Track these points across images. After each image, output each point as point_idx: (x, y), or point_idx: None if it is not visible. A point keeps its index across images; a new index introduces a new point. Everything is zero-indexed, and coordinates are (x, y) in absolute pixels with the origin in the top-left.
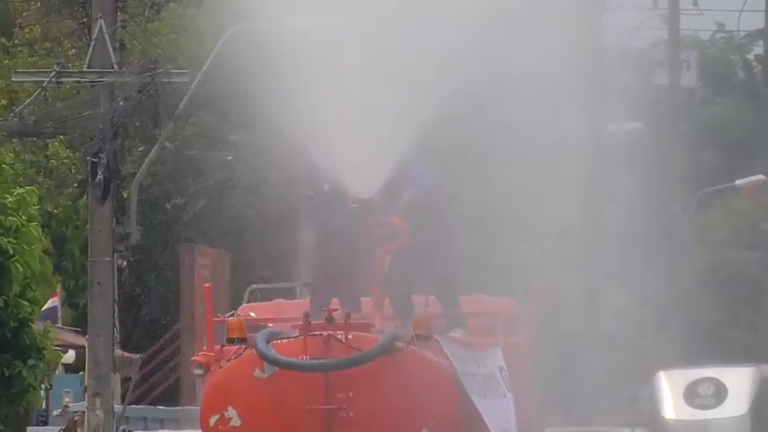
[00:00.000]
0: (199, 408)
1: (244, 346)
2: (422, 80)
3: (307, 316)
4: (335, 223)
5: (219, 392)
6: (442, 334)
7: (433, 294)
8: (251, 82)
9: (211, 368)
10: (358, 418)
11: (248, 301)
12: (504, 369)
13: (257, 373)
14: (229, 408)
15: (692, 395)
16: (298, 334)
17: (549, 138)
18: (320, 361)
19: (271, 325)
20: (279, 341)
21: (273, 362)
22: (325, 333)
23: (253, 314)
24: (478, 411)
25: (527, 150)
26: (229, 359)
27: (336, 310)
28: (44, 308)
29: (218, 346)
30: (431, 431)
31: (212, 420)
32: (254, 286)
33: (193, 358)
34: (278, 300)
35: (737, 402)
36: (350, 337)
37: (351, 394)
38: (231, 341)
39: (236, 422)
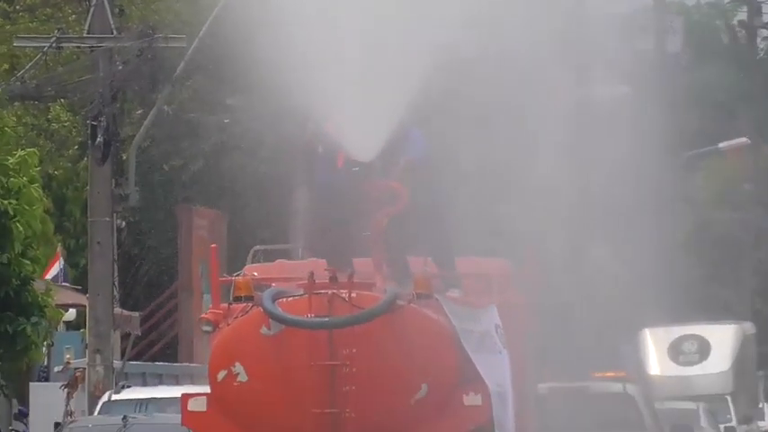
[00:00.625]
0: (198, 364)
1: (250, 305)
2: (418, 45)
3: (311, 275)
4: (336, 184)
5: (227, 349)
6: (441, 293)
7: (429, 256)
8: (248, 47)
9: (219, 326)
10: (361, 373)
11: (252, 262)
12: (499, 327)
13: (264, 330)
14: (237, 364)
15: (676, 352)
16: (303, 293)
17: (538, 102)
18: (325, 319)
19: (275, 284)
20: (284, 300)
21: (280, 319)
22: (329, 292)
23: (256, 274)
24: (475, 367)
25: (517, 115)
26: (236, 317)
27: (339, 270)
28: (52, 274)
29: (226, 305)
30: (430, 386)
31: (220, 376)
32: (258, 247)
33: (202, 316)
34: (280, 260)
35: (720, 359)
36: (353, 295)
37: (354, 351)
38: (238, 299)
39: (242, 378)
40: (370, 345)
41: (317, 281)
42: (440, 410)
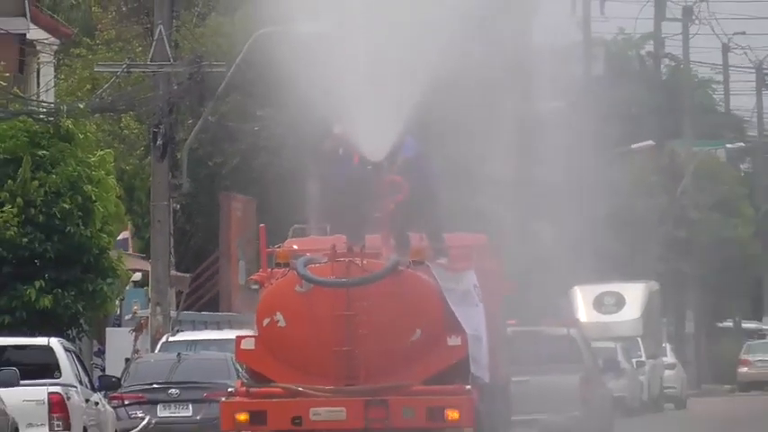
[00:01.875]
0: (234, 313)
1: (288, 269)
2: (416, 72)
3: (333, 247)
4: (353, 178)
5: (270, 302)
6: (432, 261)
7: (425, 232)
8: (274, 70)
9: (264, 285)
10: (370, 321)
11: (291, 237)
12: (476, 286)
13: (298, 288)
14: (277, 313)
15: (599, 304)
16: (327, 260)
17: (496, 114)
18: (343, 280)
19: (308, 254)
20: (313, 265)
21: (309, 280)
22: (346, 260)
23: (295, 246)
24: (456, 317)
25: (482, 124)
26: (277, 278)
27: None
28: (118, 238)
29: (270, 269)
30: (422, 331)
31: (265, 322)
32: (296, 226)
33: (250, 277)
34: (312, 236)
35: (632, 309)
36: (365, 262)
37: (365, 304)
38: (279, 265)
39: (282, 323)
40: (377, 299)
41: (337, 251)
42: (429, 349)
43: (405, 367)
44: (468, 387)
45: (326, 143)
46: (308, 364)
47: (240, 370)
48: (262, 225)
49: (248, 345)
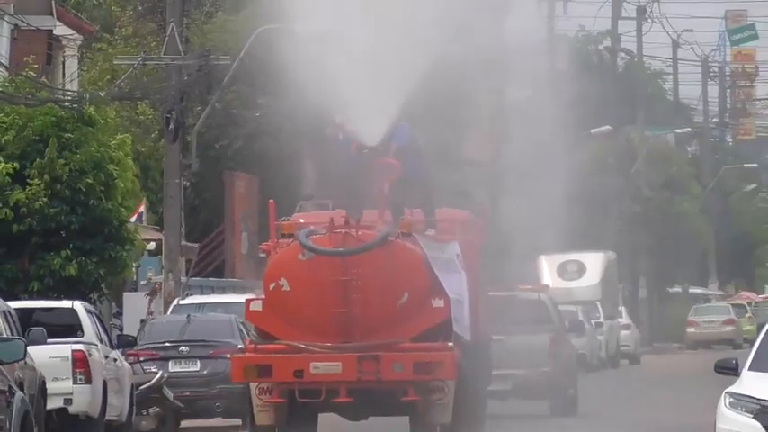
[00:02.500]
0: (238, 279)
1: (292, 240)
2: (409, 62)
3: (331, 220)
4: (353, 161)
5: (276, 269)
6: (421, 232)
7: (416, 208)
8: (275, 63)
9: (271, 253)
10: (363, 286)
11: (298, 211)
12: (459, 255)
13: (300, 256)
14: (282, 279)
15: (562, 271)
16: (326, 232)
17: (474, 102)
18: (340, 249)
19: (312, 227)
20: (314, 236)
21: (310, 249)
22: (343, 231)
23: (301, 220)
24: (440, 282)
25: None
26: (283, 248)
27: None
28: (135, 214)
29: (276, 239)
30: (410, 294)
31: (271, 286)
32: (302, 201)
33: (260, 246)
34: (316, 211)
35: (592, 276)
36: (359, 233)
37: (359, 271)
38: (284, 236)
39: (286, 288)
40: (370, 267)
41: (335, 224)
42: (416, 310)
43: (394, 326)
44: (451, 344)
45: (328, 130)
46: (309, 323)
47: (243, 330)
48: (271, 201)
49: (256, 306)
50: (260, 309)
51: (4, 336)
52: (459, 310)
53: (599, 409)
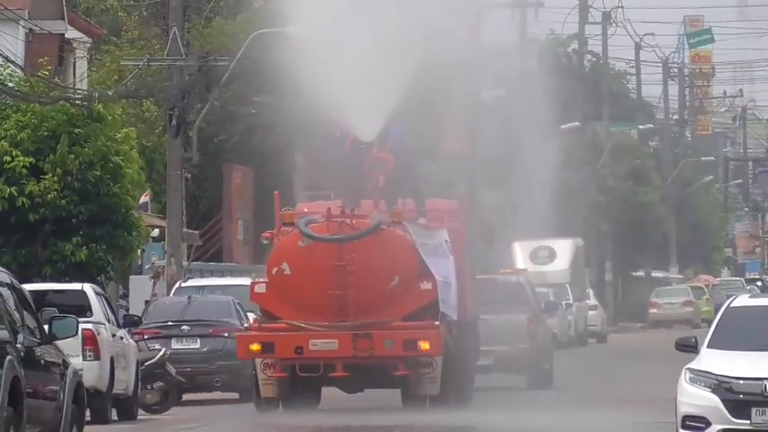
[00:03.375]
0: (235, 263)
1: (293, 228)
2: (401, 64)
3: (329, 210)
4: (351, 156)
5: (278, 254)
6: (412, 221)
7: (409, 198)
8: (270, 64)
9: (274, 240)
10: (358, 270)
11: (301, 201)
12: (447, 241)
13: (300, 243)
14: (284, 263)
15: (534, 256)
16: (324, 220)
17: (451, 100)
18: (336, 236)
19: (315, 216)
20: (313, 224)
21: (309, 236)
22: (339, 220)
23: (305, 209)
24: (428, 266)
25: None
26: (284, 235)
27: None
28: (139, 203)
29: (278, 227)
30: (400, 278)
31: (274, 271)
32: (307, 193)
33: (263, 234)
34: (318, 201)
35: (562, 260)
36: (354, 222)
37: (354, 256)
38: (285, 224)
39: (287, 272)
40: (364, 252)
41: (332, 213)
42: (405, 292)
43: (386, 307)
44: (437, 323)
45: (327, 127)
46: (308, 304)
47: (240, 310)
48: (276, 192)
49: (260, 289)
50: (264, 291)
51: (58, 315)
52: (446, 292)
53: (572, 382)
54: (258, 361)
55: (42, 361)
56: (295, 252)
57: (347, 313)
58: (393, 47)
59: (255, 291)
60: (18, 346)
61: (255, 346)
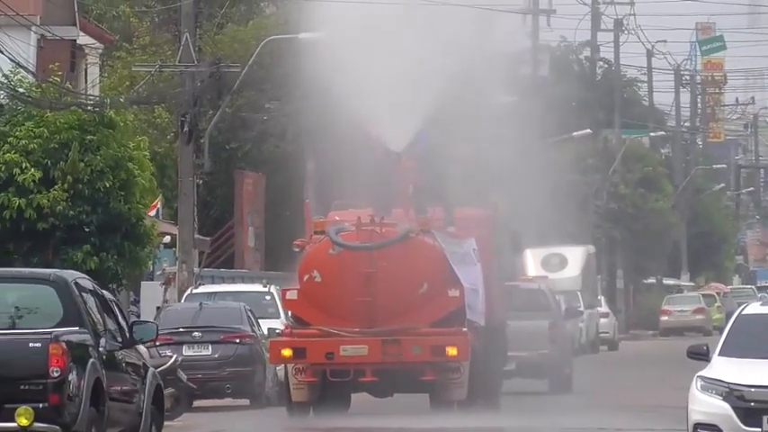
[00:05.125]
0: (246, 270)
1: (323, 236)
2: (423, 82)
3: (359, 218)
4: (382, 164)
5: (309, 262)
6: (441, 229)
7: (438, 206)
8: (281, 70)
9: (305, 248)
10: (387, 277)
11: (333, 210)
12: (475, 249)
13: (331, 251)
14: (315, 271)
15: (545, 263)
16: (354, 229)
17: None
18: (366, 244)
19: (346, 224)
20: (343, 233)
21: (339, 245)
22: (369, 228)
23: (337, 217)
24: (456, 274)
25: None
26: (315, 243)
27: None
28: (151, 213)
29: (310, 236)
30: (429, 284)
31: (305, 278)
32: (337, 201)
33: (295, 242)
34: (350, 209)
35: (573, 268)
36: (384, 230)
37: (383, 264)
38: (317, 233)
39: (318, 279)
40: (393, 260)
41: (362, 222)
42: (434, 299)
43: (414, 313)
44: (464, 329)
45: (358, 136)
46: (339, 310)
47: (251, 317)
48: (306, 201)
49: (292, 295)
50: (295, 297)
51: (139, 320)
52: (473, 299)
53: (589, 388)
54: (290, 366)
55: (123, 364)
56: (326, 260)
57: (376, 319)
58: (421, 56)
59: (287, 297)
60: (100, 349)
61: (287, 352)
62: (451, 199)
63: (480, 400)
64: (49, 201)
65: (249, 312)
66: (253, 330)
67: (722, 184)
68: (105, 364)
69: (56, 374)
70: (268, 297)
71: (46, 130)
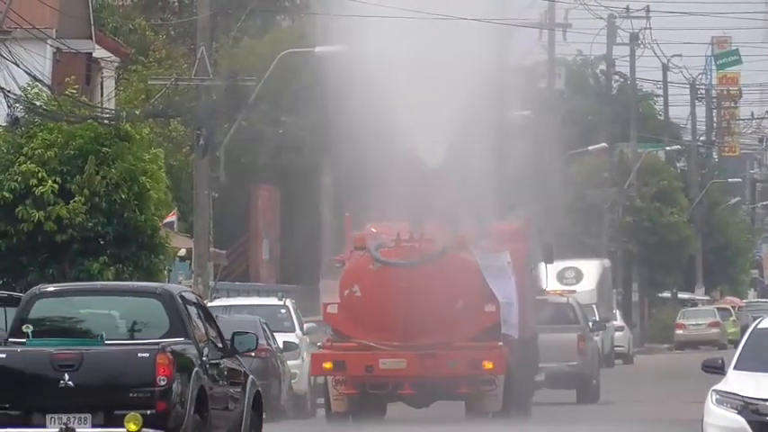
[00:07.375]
0: (261, 283)
1: (364, 252)
2: (453, 90)
3: (398, 235)
4: (417, 182)
5: (350, 277)
6: (476, 243)
7: (473, 221)
8: (296, 84)
9: (346, 264)
10: (425, 292)
11: (369, 223)
12: (510, 263)
13: (371, 266)
14: (355, 286)
15: (561, 277)
16: (394, 245)
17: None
18: (406, 261)
19: (384, 236)
20: (383, 249)
21: (379, 261)
22: (408, 244)
23: (373, 230)
24: (492, 289)
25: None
26: (356, 259)
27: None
28: (165, 221)
29: (350, 251)
30: (465, 300)
31: (346, 292)
32: (373, 220)
33: (335, 258)
34: (387, 223)
35: (589, 281)
36: (422, 246)
37: (422, 279)
38: (357, 248)
39: (358, 294)
40: (431, 276)
41: (402, 238)
42: (470, 314)
43: (451, 328)
44: (501, 344)
45: (390, 152)
46: (378, 324)
47: (266, 330)
48: (347, 215)
49: (333, 309)
50: (336, 311)
51: (240, 331)
52: (508, 312)
53: (615, 398)
54: (330, 378)
55: (225, 372)
56: (366, 275)
57: (414, 334)
58: (445, 71)
59: (328, 311)
60: (204, 359)
61: (328, 364)
62: (485, 213)
63: (513, 410)
64: (68, 212)
65: (264, 326)
66: (268, 344)
67: (737, 198)
68: (208, 372)
69: (163, 383)
70: (283, 310)
71: (60, 137)
